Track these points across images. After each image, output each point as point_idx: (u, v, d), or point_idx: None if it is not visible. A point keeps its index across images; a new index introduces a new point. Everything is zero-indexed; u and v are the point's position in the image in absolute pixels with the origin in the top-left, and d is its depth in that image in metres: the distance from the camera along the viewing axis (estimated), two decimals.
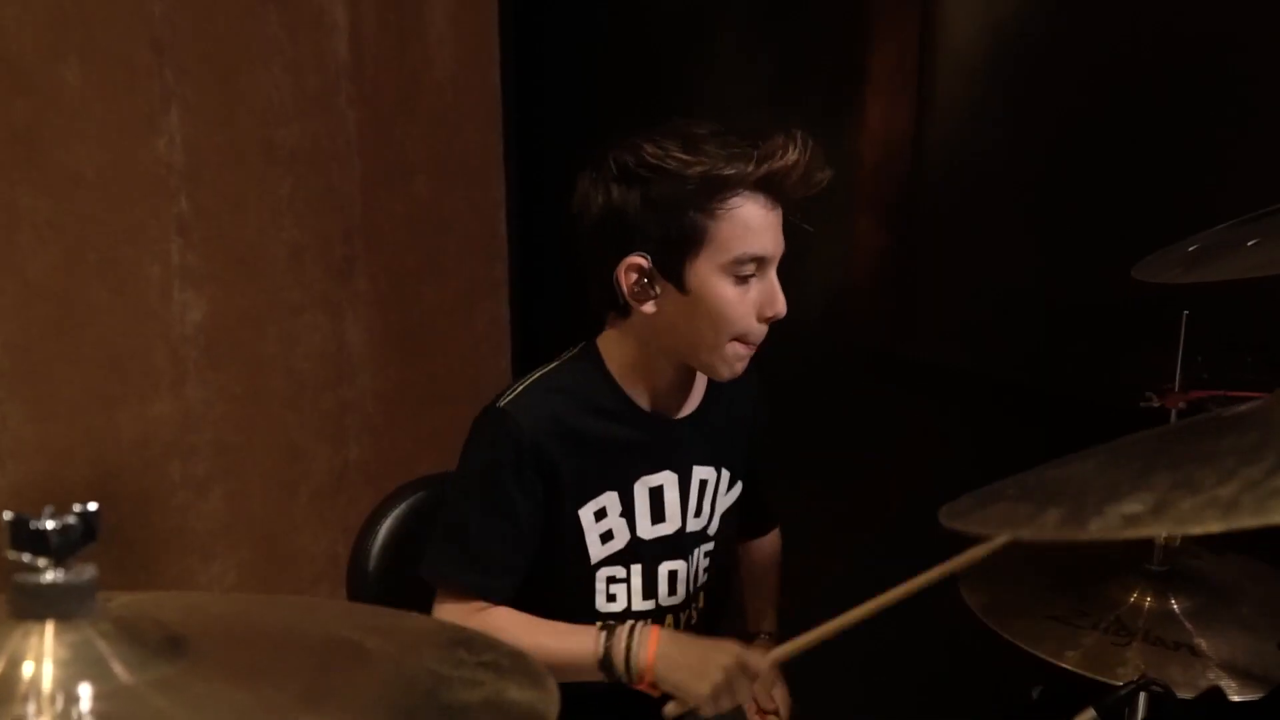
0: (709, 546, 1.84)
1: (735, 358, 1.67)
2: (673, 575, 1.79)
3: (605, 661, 1.61)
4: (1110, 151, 2.18)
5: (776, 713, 1.89)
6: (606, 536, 1.72)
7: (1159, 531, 0.79)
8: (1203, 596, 1.63)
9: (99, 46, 2.48)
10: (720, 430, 1.82)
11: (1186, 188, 2.09)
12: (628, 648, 1.60)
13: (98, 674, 0.68)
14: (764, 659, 1.58)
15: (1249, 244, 1.29)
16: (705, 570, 1.85)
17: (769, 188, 1.60)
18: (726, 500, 1.85)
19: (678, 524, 1.78)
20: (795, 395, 2.09)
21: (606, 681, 1.62)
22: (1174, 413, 1.59)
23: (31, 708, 0.65)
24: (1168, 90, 2.12)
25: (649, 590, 1.78)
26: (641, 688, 1.61)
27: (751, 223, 1.60)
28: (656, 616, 1.79)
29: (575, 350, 1.78)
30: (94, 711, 0.66)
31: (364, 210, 2.93)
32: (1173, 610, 1.61)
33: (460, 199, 3.05)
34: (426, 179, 3.02)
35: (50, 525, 0.70)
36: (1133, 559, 1.70)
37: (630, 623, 1.65)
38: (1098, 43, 2.21)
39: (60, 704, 0.66)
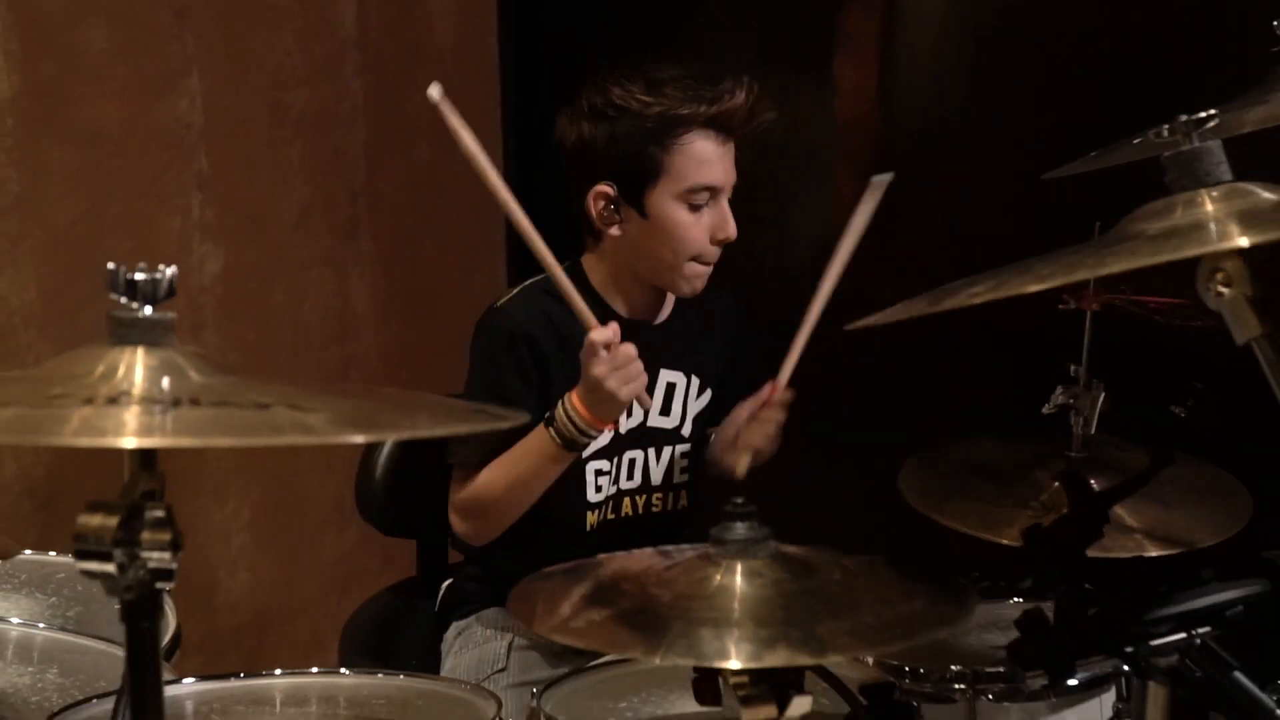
0: (684, 447, 2.06)
1: (694, 275, 1.93)
2: (633, 463, 2.01)
3: (563, 438, 1.80)
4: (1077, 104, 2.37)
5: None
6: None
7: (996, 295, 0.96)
8: (1120, 476, 1.79)
9: (123, 10, 2.69)
10: (690, 340, 2.05)
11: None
12: (566, 414, 1.79)
13: (176, 375, 0.88)
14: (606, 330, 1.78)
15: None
16: (683, 470, 2.04)
17: (720, 125, 1.88)
18: (697, 405, 2.07)
19: (640, 418, 2.00)
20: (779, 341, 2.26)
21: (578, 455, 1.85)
22: (1088, 314, 1.79)
23: (127, 385, 0.83)
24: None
25: (628, 476, 2.01)
26: (598, 428, 1.81)
27: (704, 156, 1.87)
28: (634, 501, 1.99)
29: (568, 263, 1.98)
30: (172, 389, 0.85)
31: (368, 173, 3.13)
32: (1092, 489, 1.78)
33: (460, 165, 3.21)
34: (428, 145, 3.21)
35: (140, 276, 0.88)
36: (1055, 450, 1.85)
37: (555, 408, 1.83)
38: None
39: (149, 386, 0.84)
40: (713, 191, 1.89)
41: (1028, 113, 2.52)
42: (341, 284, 3.13)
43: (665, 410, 2.01)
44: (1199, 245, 1.01)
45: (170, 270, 0.92)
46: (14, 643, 1.68)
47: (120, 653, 0.88)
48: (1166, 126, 1.11)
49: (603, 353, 1.74)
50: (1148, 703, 1.17)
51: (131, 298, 0.89)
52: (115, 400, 0.84)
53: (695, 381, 2.04)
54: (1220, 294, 1.04)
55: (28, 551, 1.96)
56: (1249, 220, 1.00)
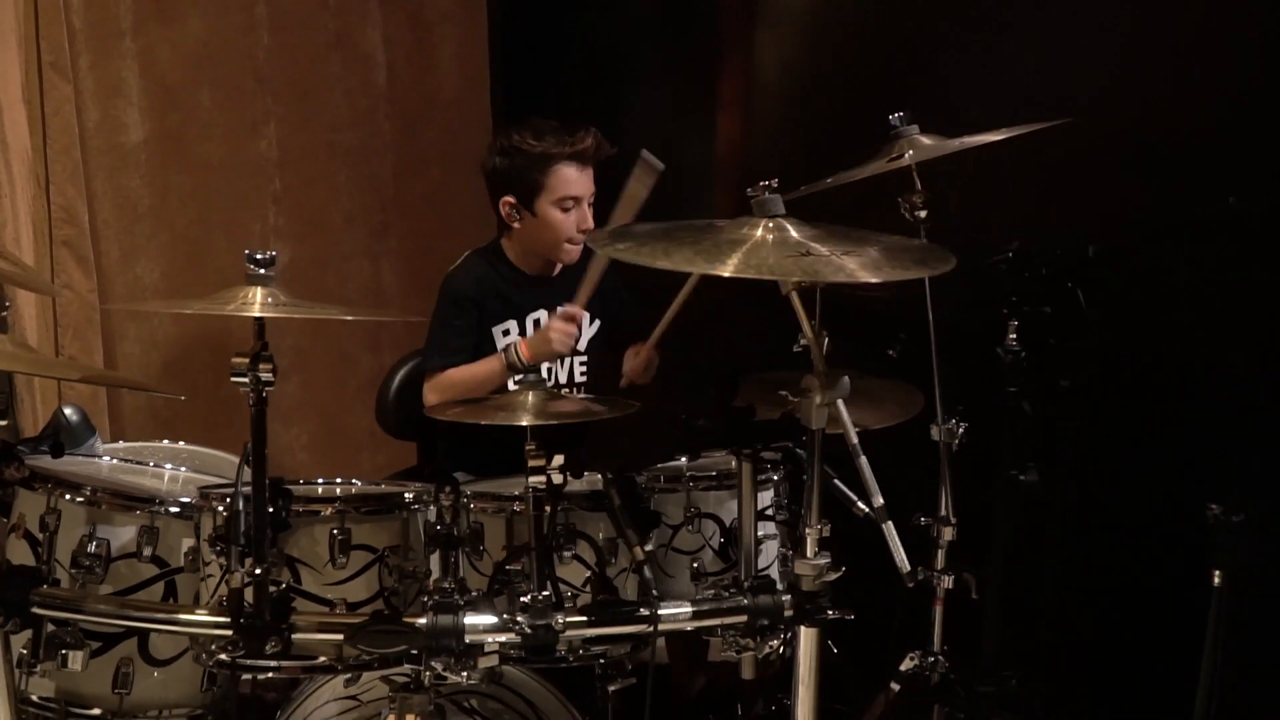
0: (582, 358, 3.10)
1: (570, 252, 2.97)
2: (549, 369, 3.03)
3: (508, 362, 2.83)
4: None
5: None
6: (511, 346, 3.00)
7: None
8: None
9: (223, 78, 3.82)
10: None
11: None
12: (515, 353, 2.83)
13: (275, 296, 1.96)
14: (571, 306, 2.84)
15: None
16: (583, 373, 3.11)
17: (577, 158, 2.91)
18: (590, 330, 3.10)
19: None
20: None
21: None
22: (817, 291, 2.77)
23: (254, 298, 1.93)
24: None
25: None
26: (527, 359, 2.81)
27: (569, 178, 2.91)
28: None
29: (490, 243, 3.08)
30: (273, 300, 1.95)
31: (395, 190, 4.22)
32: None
33: (463, 183, 4.24)
34: (439, 169, 4.28)
35: (260, 255, 1.98)
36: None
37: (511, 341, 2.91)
38: None
39: (263, 299, 1.93)
40: (576, 200, 2.92)
41: None
42: (376, 271, 4.24)
43: None
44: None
45: (272, 252, 2.00)
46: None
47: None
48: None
49: (569, 324, 2.80)
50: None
51: (256, 265, 1.98)
52: (249, 302, 1.93)
53: (585, 316, 3.03)
54: None
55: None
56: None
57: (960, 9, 3.07)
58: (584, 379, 3.14)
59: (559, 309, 2.87)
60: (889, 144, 2.49)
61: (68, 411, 2.70)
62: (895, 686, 2.72)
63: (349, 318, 2.20)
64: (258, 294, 1.95)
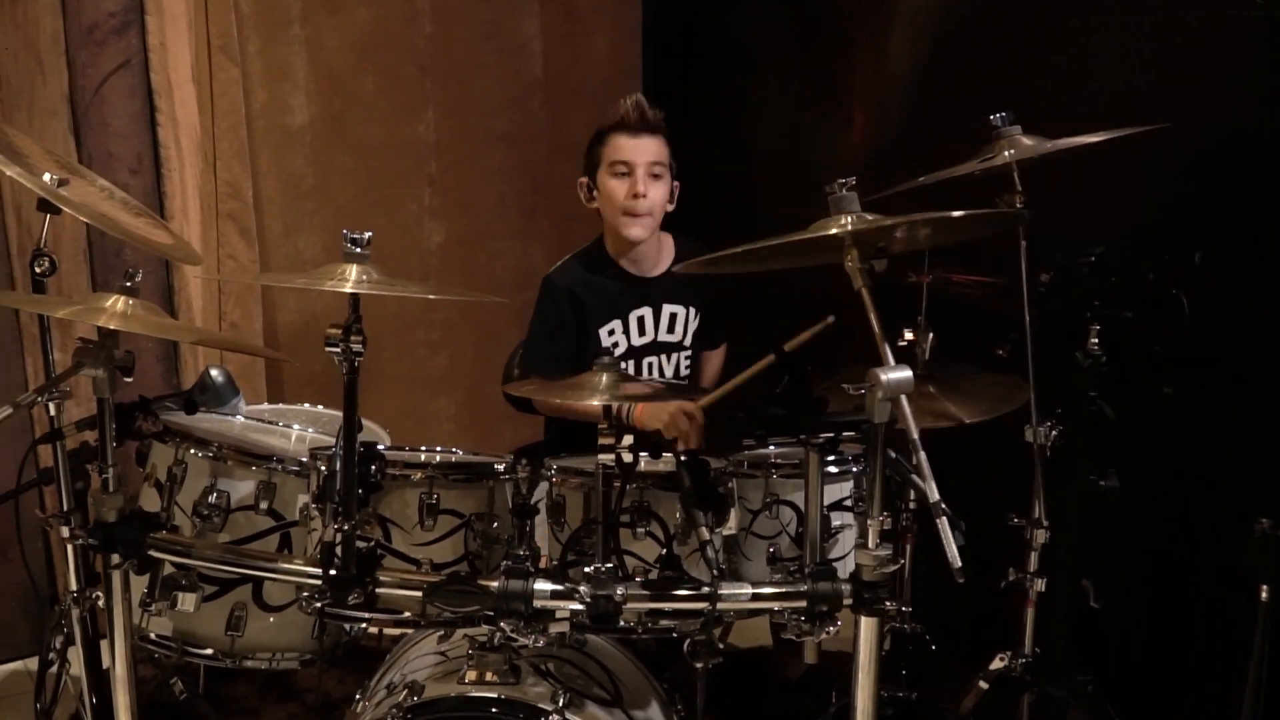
0: (687, 352, 3.20)
1: (630, 224, 3.02)
2: (650, 365, 3.15)
3: (613, 412, 2.89)
4: None
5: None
6: (615, 346, 3.12)
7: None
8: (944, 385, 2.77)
9: (385, 64, 4.01)
10: (684, 284, 3.12)
11: None
12: (629, 408, 2.77)
13: (369, 274, 2.10)
14: (694, 405, 2.88)
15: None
16: (686, 367, 3.21)
17: (623, 126, 3.01)
18: (693, 325, 3.19)
19: (653, 336, 3.15)
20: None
21: None
22: (924, 285, 2.78)
23: (349, 274, 2.07)
24: None
25: (637, 373, 3.15)
26: (634, 421, 2.85)
27: (619, 145, 3.01)
28: None
29: (592, 241, 3.18)
30: (366, 276, 2.09)
31: (546, 174, 4.36)
32: (931, 391, 2.78)
33: None
34: None
35: (356, 235, 2.12)
36: None
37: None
38: None
39: (358, 276, 2.07)
40: (628, 166, 3.00)
41: None
42: (525, 250, 4.39)
43: (670, 330, 3.16)
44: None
45: (368, 234, 2.15)
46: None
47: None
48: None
49: (686, 421, 2.81)
50: None
51: (352, 244, 2.12)
52: (344, 278, 2.07)
53: (691, 310, 3.16)
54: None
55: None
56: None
57: (1060, 10, 3.03)
58: (688, 372, 3.22)
59: (682, 405, 2.83)
60: (988, 144, 2.49)
61: (214, 373, 2.91)
62: (984, 685, 2.73)
63: (431, 296, 2.33)
64: (352, 271, 2.08)
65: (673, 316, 3.18)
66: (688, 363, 3.22)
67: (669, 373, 3.19)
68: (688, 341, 3.20)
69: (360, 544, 2.11)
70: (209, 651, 2.43)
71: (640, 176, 3.00)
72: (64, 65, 3.37)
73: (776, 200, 3.82)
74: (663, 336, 3.18)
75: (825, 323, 2.78)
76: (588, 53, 4.40)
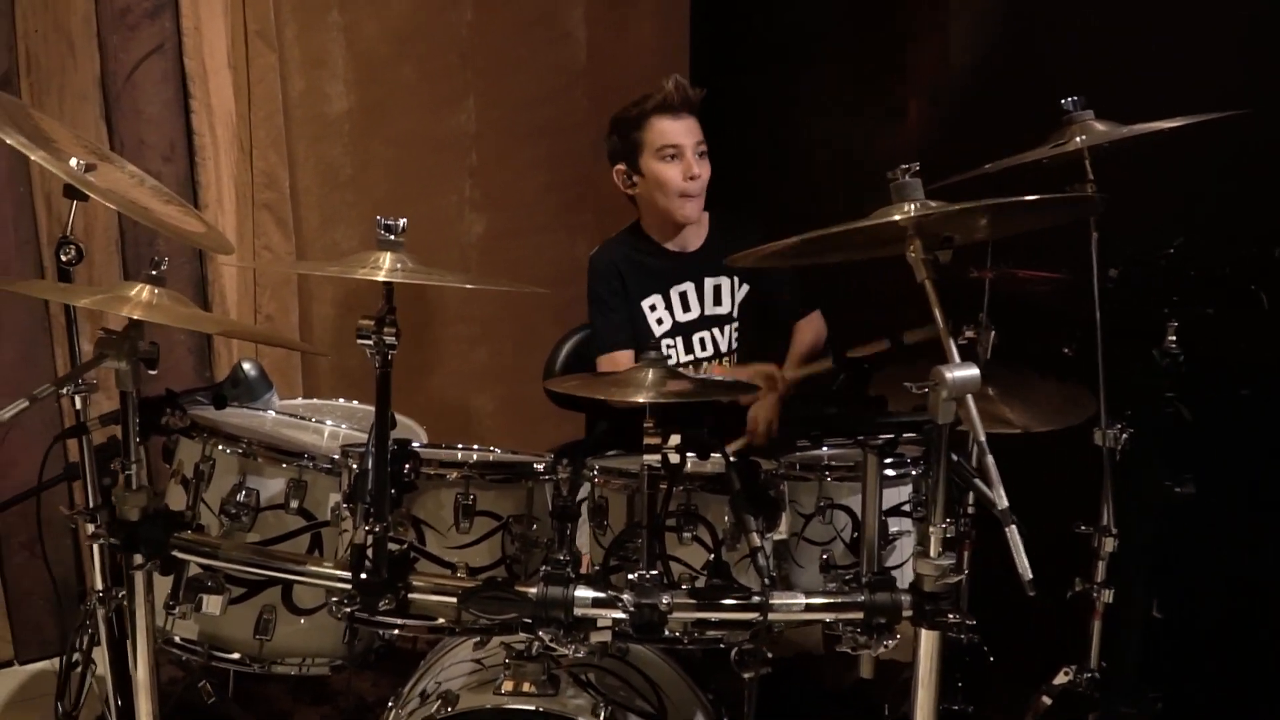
0: (736, 324, 3.12)
1: (685, 205, 2.99)
2: (702, 340, 3.10)
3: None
4: None
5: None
6: (659, 321, 3.07)
7: None
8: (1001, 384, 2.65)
9: (425, 53, 3.93)
10: (723, 253, 2.91)
11: None
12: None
13: (402, 263, 1.99)
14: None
15: None
16: (735, 340, 3.12)
17: (666, 107, 2.96)
18: (740, 294, 3.11)
19: (698, 311, 3.09)
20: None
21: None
22: (986, 281, 2.67)
23: (382, 262, 1.96)
24: None
25: (688, 349, 3.10)
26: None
27: (664, 128, 2.96)
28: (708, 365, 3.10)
29: (630, 224, 3.14)
30: (398, 263, 1.99)
31: (590, 165, 4.24)
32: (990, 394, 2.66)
33: None
34: None
35: (389, 222, 2.01)
36: None
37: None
38: None
39: (391, 264, 1.96)
40: (676, 148, 2.95)
41: None
42: (570, 244, 4.28)
43: (718, 302, 3.10)
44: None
45: (403, 221, 2.04)
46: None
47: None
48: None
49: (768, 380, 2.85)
50: None
51: (386, 231, 2.02)
52: (377, 266, 1.96)
53: (734, 279, 3.09)
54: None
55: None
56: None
57: None
58: (736, 344, 3.14)
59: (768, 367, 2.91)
60: (1059, 129, 2.36)
61: (246, 366, 2.83)
62: (1047, 700, 2.61)
63: (469, 286, 2.21)
64: (386, 259, 1.98)
65: (717, 288, 3.13)
66: (735, 335, 3.15)
67: (722, 346, 3.14)
68: (735, 313, 3.13)
69: (392, 547, 2.01)
70: (236, 656, 2.34)
71: (691, 158, 2.97)
72: (95, 48, 3.30)
73: (829, 194, 3.72)
74: (710, 310, 3.13)
75: (885, 346, 2.66)
76: (634, 41, 4.31)
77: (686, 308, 3.10)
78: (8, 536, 3.33)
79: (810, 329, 3.24)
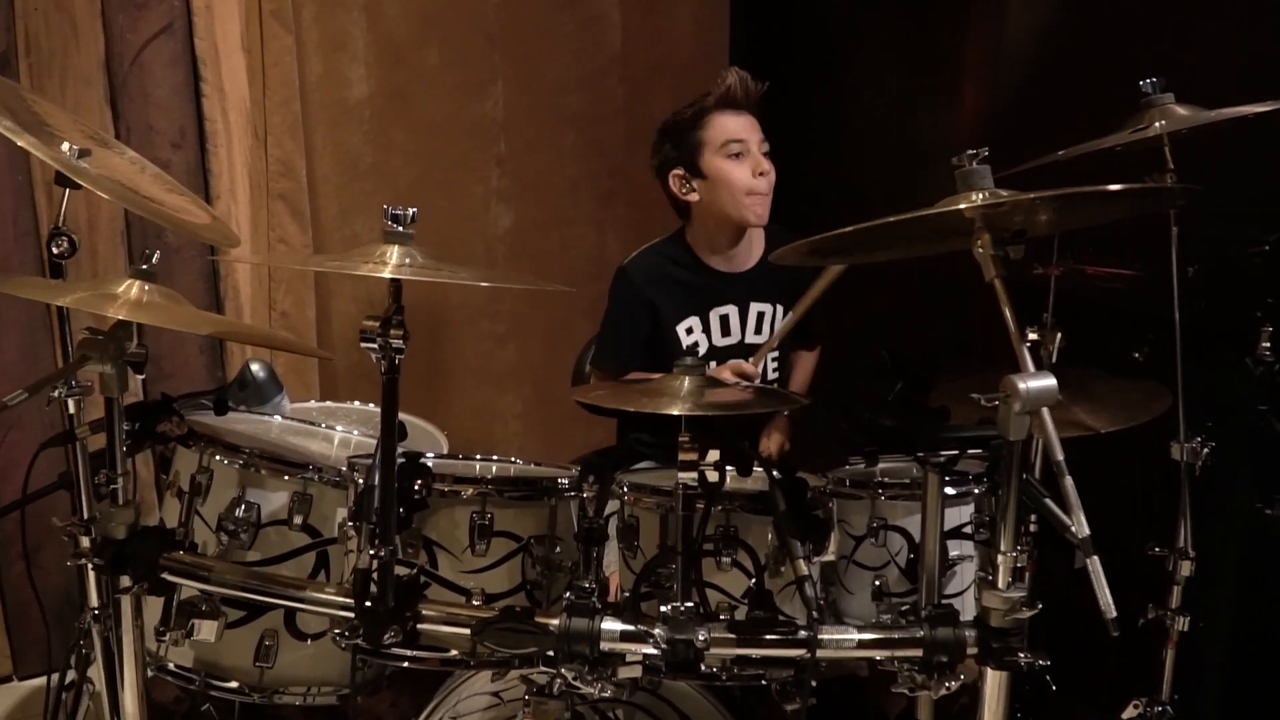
0: (774, 354, 2.88)
1: (754, 204, 2.72)
2: None
3: None
4: None
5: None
6: (695, 345, 2.82)
7: None
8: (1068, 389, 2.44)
9: (450, 36, 3.74)
10: (770, 281, 2.83)
11: None
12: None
13: (412, 256, 1.80)
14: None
15: None
16: (774, 371, 2.90)
17: (727, 102, 2.73)
18: (778, 321, 2.87)
19: (739, 338, 2.85)
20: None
21: None
22: (1052, 278, 2.47)
23: (389, 257, 1.77)
24: None
25: None
26: None
27: (726, 124, 2.72)
28: None
29: (672, 232, 2.89)
30: (408, 259, 1.79)
31: (625, 157, 4.06)
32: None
33: None
34: None
35: (396, 212, 1.82)
36: None
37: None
38: None
39: (399, 259, 1.78)
40: (741, 144, 2.70)
41: None
42: (600, 238, 4.11)
43: (758, 330, 2.85)
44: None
45: (412, 210, 1.85)
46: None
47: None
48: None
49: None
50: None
51: (394, 222, 1.83)
52: (383, 261, 1.78)
53: (779, 308, 2.85)
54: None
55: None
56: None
57: None
58: (776, 374, 2.94)
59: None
60: (1137, 114, 2.15)
61: (254, 367, 2.66)
62: None
63: (484, 284, 2.02)
64: (394, 253, 1.79)
65: (760, 315, 2.88)
66: (775, 365, 2.91)
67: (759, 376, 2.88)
68: (776, 342, 2.89)
69: (401, 571, 1.83)
70: (234, 685, 2.15)
71: (759, 156, 2.74)
72: (100, 28, 3.12)
73: (881, 186, 3.51)
74: (750, 338, 2.88)
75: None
76: (671, 24, 4.11)
77: (726, 331, 2.86)
78: (6, 545, 3.16)
79: (812, 359, 3.09)
